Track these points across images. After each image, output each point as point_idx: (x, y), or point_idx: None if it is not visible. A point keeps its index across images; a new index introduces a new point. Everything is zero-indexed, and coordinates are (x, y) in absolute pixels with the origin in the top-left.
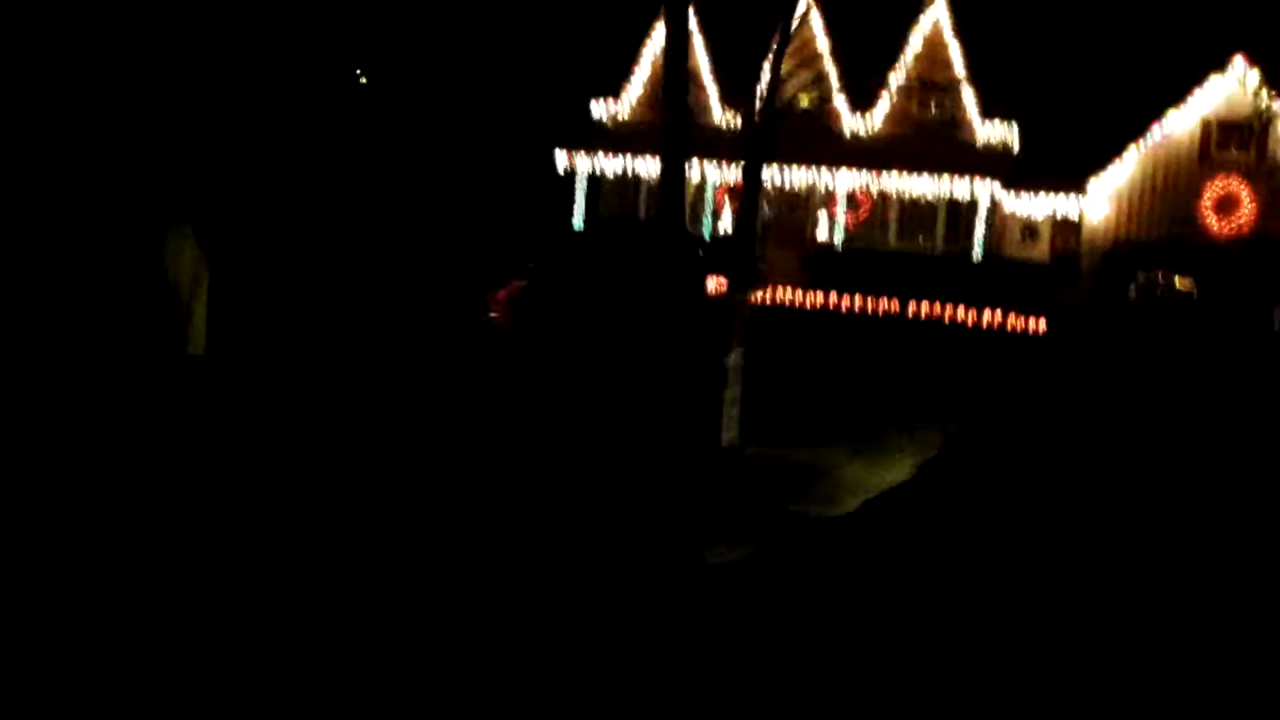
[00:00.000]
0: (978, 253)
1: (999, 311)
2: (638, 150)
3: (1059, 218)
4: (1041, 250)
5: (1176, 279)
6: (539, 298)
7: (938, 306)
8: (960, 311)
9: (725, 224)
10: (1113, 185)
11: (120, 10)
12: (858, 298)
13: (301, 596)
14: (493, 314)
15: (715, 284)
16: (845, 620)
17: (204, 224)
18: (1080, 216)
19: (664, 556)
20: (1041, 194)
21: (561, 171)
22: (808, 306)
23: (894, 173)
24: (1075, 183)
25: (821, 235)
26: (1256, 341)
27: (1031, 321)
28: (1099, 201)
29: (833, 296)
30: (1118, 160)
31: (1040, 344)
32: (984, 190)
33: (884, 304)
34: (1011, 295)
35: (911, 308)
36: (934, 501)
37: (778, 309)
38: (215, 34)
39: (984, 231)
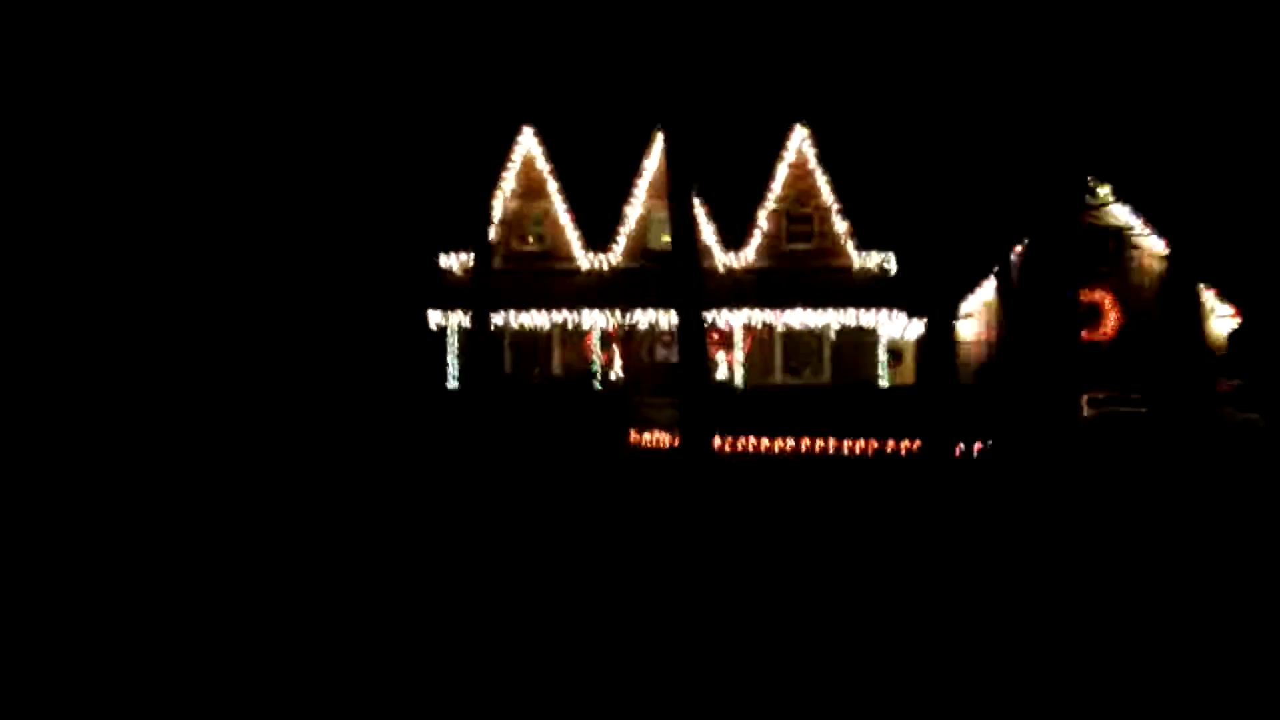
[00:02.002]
0: (883, 381)
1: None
2: (501, 304)
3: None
4: (905, 374)
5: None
6: None
7: (859, 443)
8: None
9: (609, 372)
10: (981, 304)
11: None
12: (789, 439)
13: None
14: None
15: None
16: None
17: None
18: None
19: None
20: (914, 320)
21: (434, 328)
22: (748, 450)
23: (776, 310)
24: (946, 306)
25: (719, 375)
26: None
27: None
28: (969, 321)
29: (771, 440)
30: (984, 282)
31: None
32: (878, 319)
33: (805, 443)
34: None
35: (844, 445)
36: None
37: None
38: None
39: (885, 359)
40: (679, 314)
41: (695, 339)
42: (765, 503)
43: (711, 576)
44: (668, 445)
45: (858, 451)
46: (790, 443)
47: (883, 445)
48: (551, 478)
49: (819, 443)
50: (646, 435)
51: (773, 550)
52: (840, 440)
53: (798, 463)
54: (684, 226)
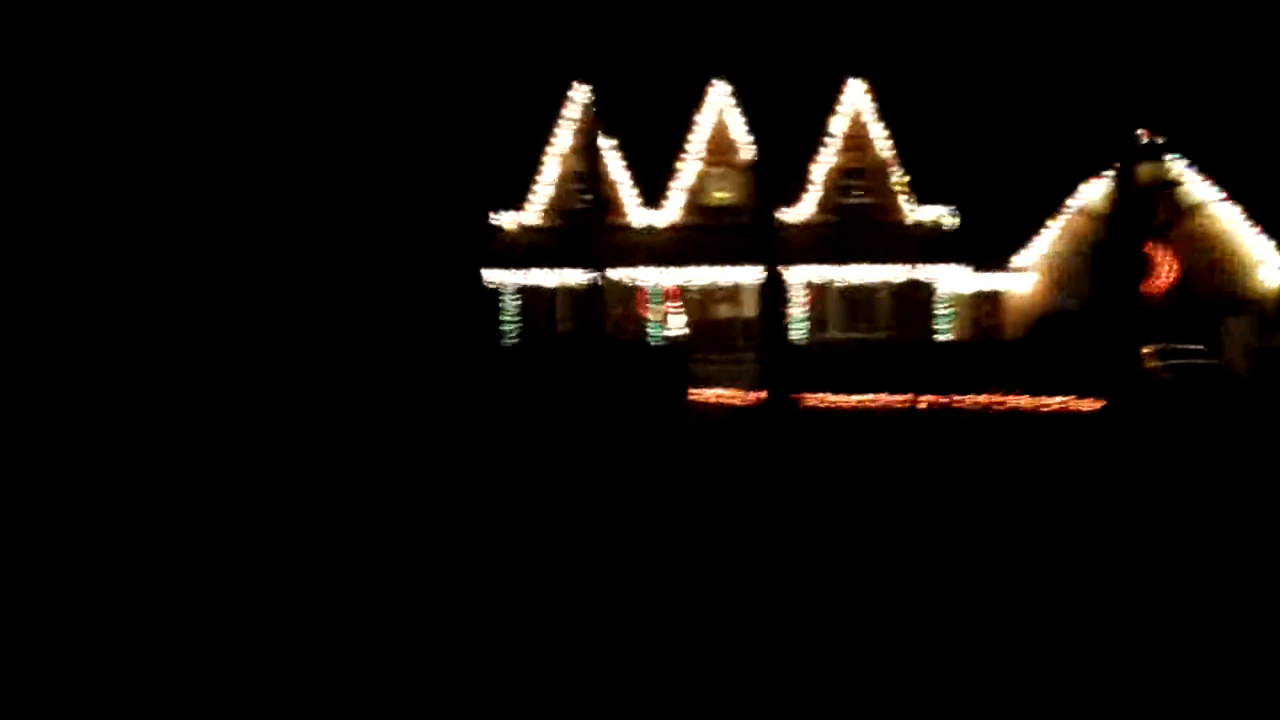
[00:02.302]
0: (942, 336)
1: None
2: (551, 263)
3: (987, 292)
4: (960, 328)
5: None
6: None
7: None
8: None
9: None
10: (1038, 257)
11: None
12: (863, 394)
13: None
14: None
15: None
16: None
17: None
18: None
19: None
20: (974, 272)
21: (489, 286)
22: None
23: (835, 265)
24: (1002, 259)
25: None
26: None
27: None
28: (1025, 274)
29: (842, 396)
30: (1038, 236)
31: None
32: (937, 273)
33: (879, 398)
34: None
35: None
36: None
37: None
38: None
39: (943, 315)
40: (763, 269)
41: (775, 293)
42: (856, 458)
43: (817, 535)
44: (734, 402)
45: (938, 405)
46: (867, 398)
47: (957, 400)
48: (616, 436)
49: (893, 398)
50: (709, 392)
51: (877, 507)
52: (918, 395)
53: (875, 418)
54: (763, 181)
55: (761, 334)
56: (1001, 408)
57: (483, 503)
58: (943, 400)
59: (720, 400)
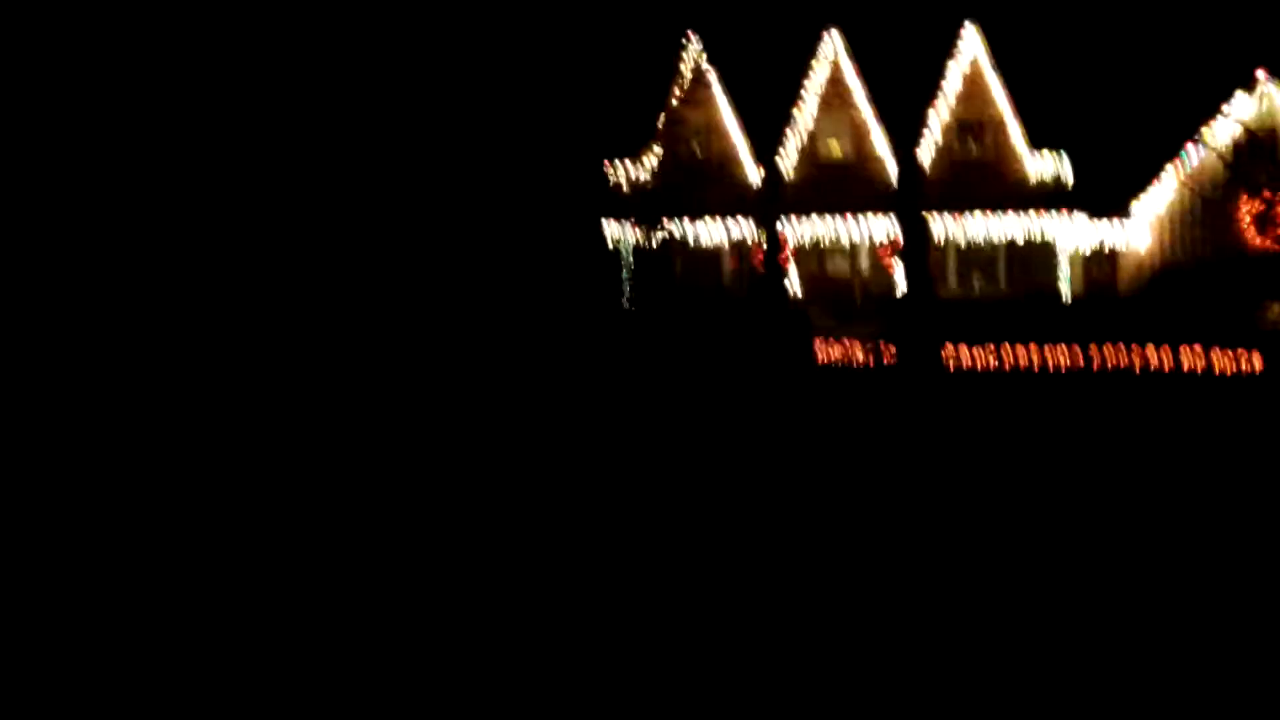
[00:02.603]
0: (1066, 291)
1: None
2: (666, 214)
3: (1104, 248)
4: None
5: None
6: None
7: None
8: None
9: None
10: (1153, 210)
11: None
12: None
13: None
14: None
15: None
16: None
17: None
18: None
19: None
20: (1092, 223)
21: (610, 243)
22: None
23: (957, 214)
24: (1118, 210)
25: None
26: None
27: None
28: (1140, 227)
29: (975, 351)
30: (1156, 183)
31: None
32: (1059, 226)
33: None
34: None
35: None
36: None
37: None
38: None
39: (1068, 269)
40: (901, 221)
41: (919, 246)
42: (1007, 417)
43: (980, 497)
44: (860, 360)
45: (1082, 365)
46: (1006, 355)
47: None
48: (748, 395)
49: (1026, 353)
50: (833, 350)
51: (1040, 478)
52: (1055, 350)
53: (1014, 376)
54: (908, 133)
55: (898, 288)
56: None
57: (611, 470)
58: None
59: (843, 358)
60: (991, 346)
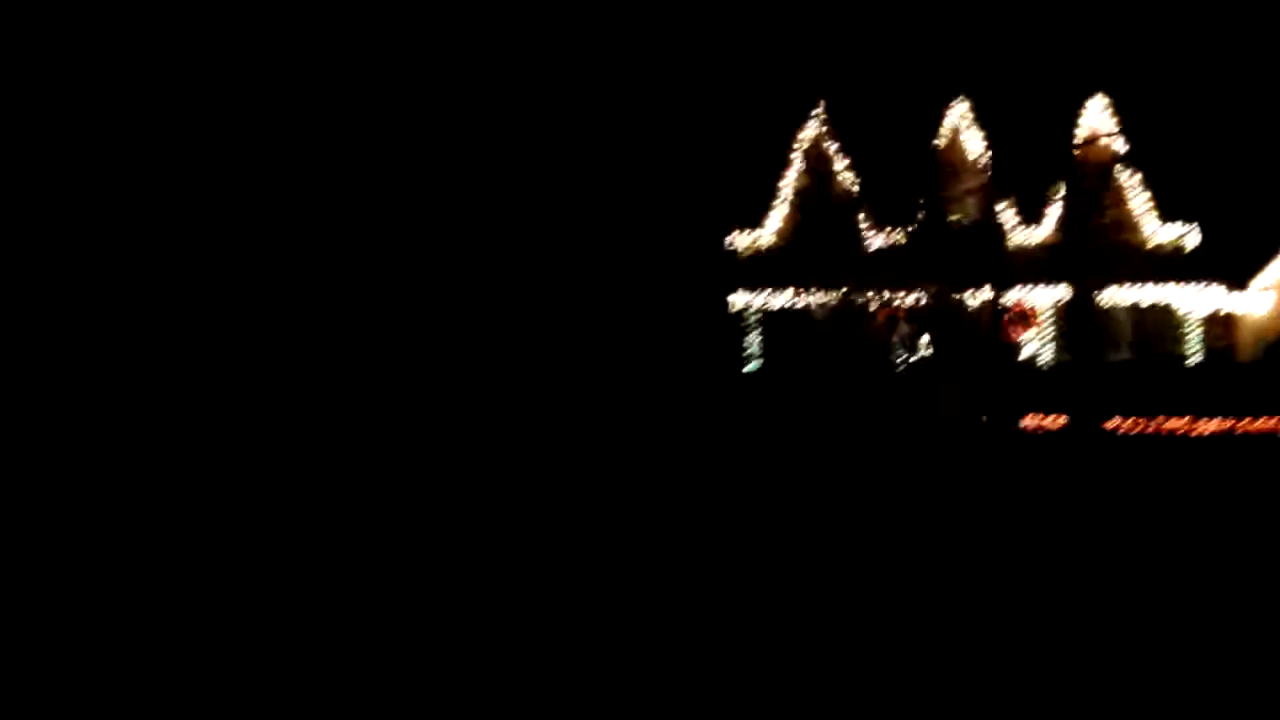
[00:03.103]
0: (1193, 358)
1: None
2: (795, 283)
3: (1221, 314)
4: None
5: None
6: None
7: None
8: None
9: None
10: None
11: None
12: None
13: None
14: None
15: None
16: None
17: None
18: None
19: None
20: (1214, 290)
21: (737, 309)
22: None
23: (1079, 286)
24: (1240, 278)
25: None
26: None
27: None
28: (1262, 294)
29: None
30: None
31: None
32: (1183, 293)
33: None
34: None
35: None
36: None
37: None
38: None
39: (1197, 335)
40: (1073, 289)
41: (1088, 314)
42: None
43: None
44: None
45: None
46: (1140, 422)
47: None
48: (883, 463)
49: (1170, 422)
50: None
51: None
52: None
53: (1157, 442)
54: (1077, 201)
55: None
56: None
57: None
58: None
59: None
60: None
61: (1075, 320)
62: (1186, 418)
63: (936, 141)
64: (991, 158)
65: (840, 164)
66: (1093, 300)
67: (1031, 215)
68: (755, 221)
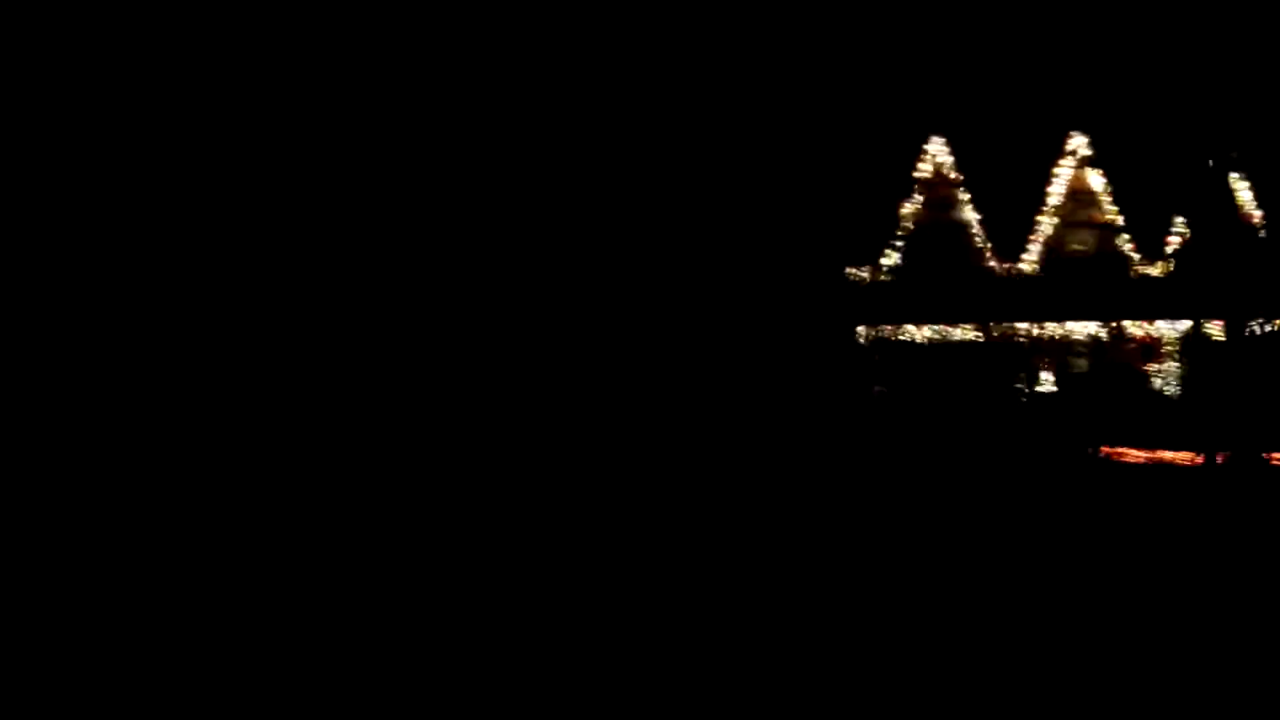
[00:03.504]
0: None
1: None
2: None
3: None
4: None
5: None
6: None
7: None
8: None
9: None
10: None
11: None
12: None
13: None
14: None
15: None
16: None
17: None
18: None
19: None
20: None
21: (863, 344)
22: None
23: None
24: None
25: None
26: None
27: None
28: None
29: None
30: None
31: None
32: None
33: None
34: None
35: None
36: None
37: None
38: None
39: None
40: (1229, 319)
41: (1241, 345)
42: None
43: None
44: (1138, 460)
45: None
46: None
47: None
48: (1016, 500)
49: None
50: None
51: None
52: None
53: None
54: (1225, 221)
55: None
56: None
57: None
58: None
59: (1156, 459)
60: None
61: (1232, 350)
62: None
63: (1055, 172)
64: (1114, 189)
65: (961, 194)
66: (1246, 329)
67: (1154, 243)
68: (878, 252)
